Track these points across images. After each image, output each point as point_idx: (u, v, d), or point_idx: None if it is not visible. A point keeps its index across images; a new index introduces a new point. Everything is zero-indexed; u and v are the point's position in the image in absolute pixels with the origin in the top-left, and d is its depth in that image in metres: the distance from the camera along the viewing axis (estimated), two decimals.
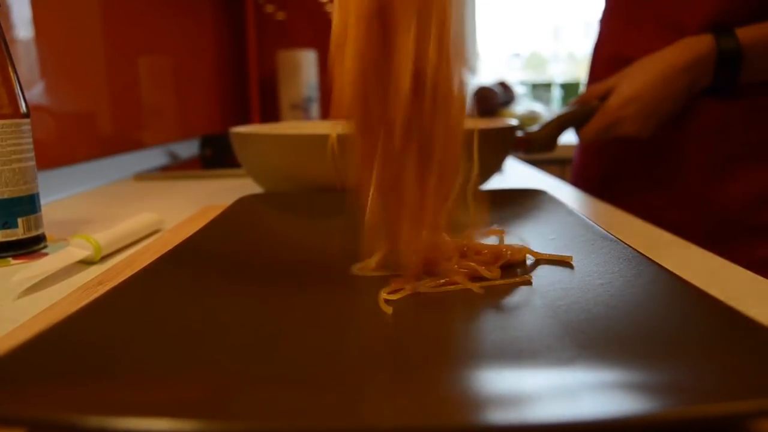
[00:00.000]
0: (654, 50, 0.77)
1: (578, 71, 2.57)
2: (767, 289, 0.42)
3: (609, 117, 0.77)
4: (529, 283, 0.38)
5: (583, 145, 0.99)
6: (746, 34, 0.71)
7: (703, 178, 0.81)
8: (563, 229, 0.48)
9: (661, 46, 0.76)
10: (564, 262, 0.41)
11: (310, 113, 1.91)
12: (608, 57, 0.91)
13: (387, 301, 0.34)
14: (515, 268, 0.41)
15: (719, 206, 0.80)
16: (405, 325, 0.32)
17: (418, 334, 0.31)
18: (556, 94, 2.48)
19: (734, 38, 0.71)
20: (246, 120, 2.01)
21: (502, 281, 0.38)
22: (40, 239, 0.56)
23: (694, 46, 0.73)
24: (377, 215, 0.36)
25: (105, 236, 0.53)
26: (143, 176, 1.12)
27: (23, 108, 0.54)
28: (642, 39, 0.84)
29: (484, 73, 2.54)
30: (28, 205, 0.54)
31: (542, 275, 0.39)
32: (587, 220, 0.48)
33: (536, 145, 0.84)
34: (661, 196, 0.85)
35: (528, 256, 0.43)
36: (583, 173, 0.97)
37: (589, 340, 0.28)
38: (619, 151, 0.90)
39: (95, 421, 0.20)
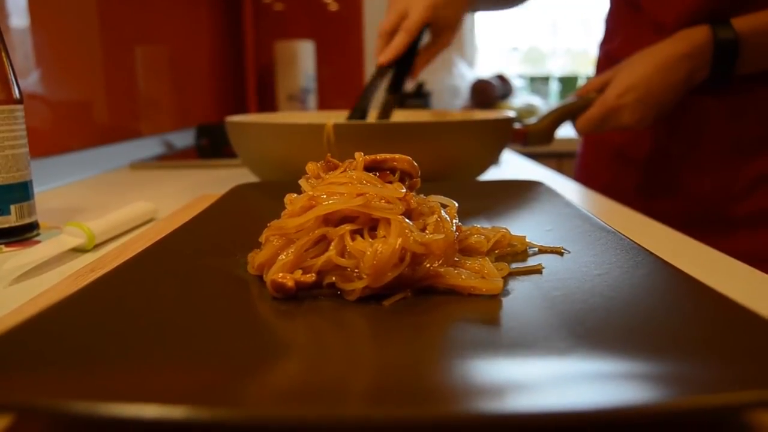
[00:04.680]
0: (638, 49, 0.77)
1: (576, 65, 2.56)
2: (764, 281, 0.41)
3: (607, 106, 0.76)
4: (539, 271, 0.37)
5: (584, 140, 1.00)
6: (742, 23, 0.71)
7: (685, 170, 0.82)
8: (560, 221, 0.48)
9: (644, 44, 0.77)
10: (559, 253, 0.41)
11: (307, 104, 1.90)
12: (605, 55, 0.93)
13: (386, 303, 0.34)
14: (513, 259, 0.41)
15: (699, 199, 0.82)
16: (400, 315, 0.32)
17: (413, 323, 0.31)
18: (554, 87, 2.48)
19: (731, 28, 0.71)
20: (242, 110, 2.01)
21: (514, 269, 0.38)
22: (33, 226, 0.56)
23: (691, 37, 0.73)
24: None
25: (98, 224, 0.53)
26: (139, 165, 1.11)
27: (16, 94, 0.53)
28: (629, 37, 0.86)
29: (483, 66, 2.53)
30: (21, 192, 0.54)
31: None
32: (584, 211, 0.48)
33: (534, 138, 0.83)
34: (645, 188, 0.87)
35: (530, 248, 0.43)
36: (588, 171, 0.98)
37: (585, 330, 0.28)
38: (618, 146, 0.91)
39: (83, 407, 0.19)
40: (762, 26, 0.70)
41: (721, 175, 0.80)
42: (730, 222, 0.80)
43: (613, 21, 0.93)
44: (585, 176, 0.98)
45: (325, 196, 0.36)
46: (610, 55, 0.91)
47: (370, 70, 2.07)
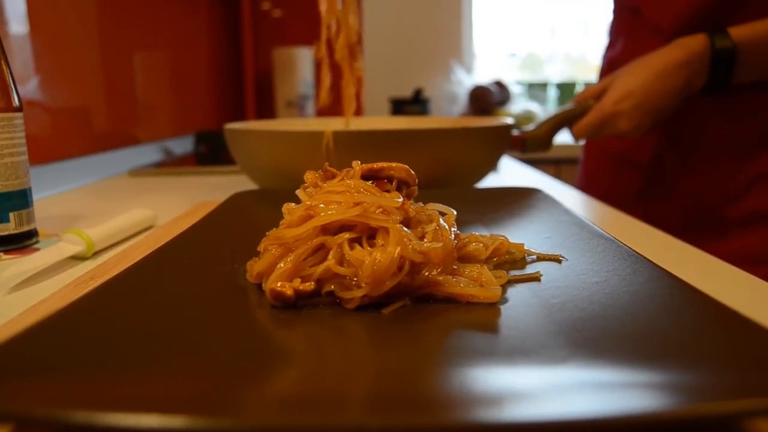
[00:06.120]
0: (638, 55, 0.78)
1: (574, 71, 2.57)
2: (763, 289, 0.41)
3: (604, 112, 0.77)
4: (538, 279, 0.37)
5: (586, 147, 1.00)
6: (740, 33, 0.71)
7: (685, 174, 0.83)
8: (559, 228, 0.48)
9: (644, 50, 0.78)
10: (557, 260, 0.41)
11: (305, 111, 1.91)
12: (608, 62, 0.94)
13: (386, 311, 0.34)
14: (511, 266, 0.41)
15: (698, 201, 0.82)
16: (399, 323, 0.32)
17: (412, 332, 0.31)
18: (552, 93, 2.49)
19: (728, 37, 0.71)
20: (241, 117, 2.01)
21: (513, 277, 0.38)
22: (32, 234, 0.56)
23: (689, 45, 0.73)
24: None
25: (97, 232, 0.53)
26: (137, 172, 1.11)
27: (16, 101, 0.53)
28: (629, 43, 0.86)
29: (481, 72, 2.54)
30: (20, 199, 0.54)
31: None
32: (582, 218, 0.48)
33: (532, 144, 0.84)
34: (645, 192, 0.88)
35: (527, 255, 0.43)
36: (590, 178, 0.99)
37: (583, 338, 0.28)
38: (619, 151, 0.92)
39: (82, 416, 0.19)
40: (759, 36, 0.71)
41: (720, 178, 0.81)
42: (727, 223, 0.81)
43: (614, 28, 0.94)
44: (587, 183, 0.98)
45: (322, 206, 0.36)
46: (612, 62, 0.92)
47: (368, 74, 2.07)
